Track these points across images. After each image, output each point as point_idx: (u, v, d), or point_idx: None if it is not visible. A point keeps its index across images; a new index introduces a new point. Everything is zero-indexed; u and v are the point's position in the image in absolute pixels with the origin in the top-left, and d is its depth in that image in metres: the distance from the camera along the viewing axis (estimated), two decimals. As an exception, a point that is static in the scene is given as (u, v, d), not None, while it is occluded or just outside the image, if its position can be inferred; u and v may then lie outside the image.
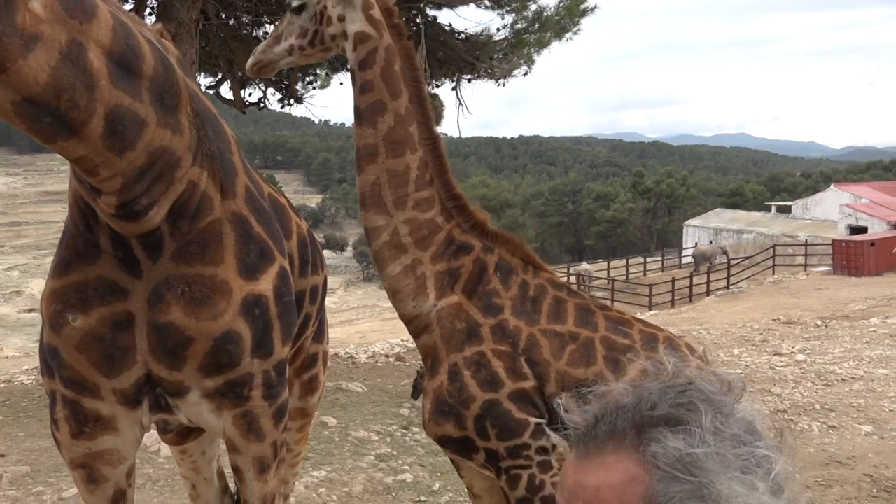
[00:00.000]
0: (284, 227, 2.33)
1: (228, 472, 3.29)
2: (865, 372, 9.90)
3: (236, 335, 1.92)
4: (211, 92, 10.26)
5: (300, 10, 2.38)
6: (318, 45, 2.39)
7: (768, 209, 48.67)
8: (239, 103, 10.24)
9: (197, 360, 1.90)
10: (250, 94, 10.73)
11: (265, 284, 1.99)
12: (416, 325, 2.46)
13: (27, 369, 10.54)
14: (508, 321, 2.39)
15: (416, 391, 8.16)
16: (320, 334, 2.95)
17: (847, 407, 8.25)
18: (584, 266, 33.62)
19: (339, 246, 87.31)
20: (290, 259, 2.28)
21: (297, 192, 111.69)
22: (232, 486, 3.07)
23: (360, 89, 2.31)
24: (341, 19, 2.31)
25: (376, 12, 2.30)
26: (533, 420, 2.37)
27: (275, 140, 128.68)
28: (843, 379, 9.52)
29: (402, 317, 2.50)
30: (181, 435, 2.38)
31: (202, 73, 10.35)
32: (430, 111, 2.46)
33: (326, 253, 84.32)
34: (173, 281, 1.84)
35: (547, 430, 2.43)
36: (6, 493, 5.11)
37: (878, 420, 7.78)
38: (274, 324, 2.03)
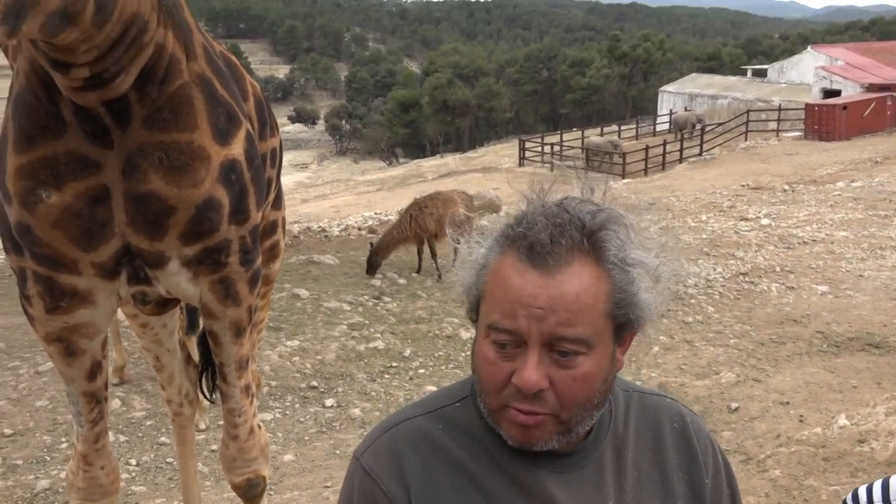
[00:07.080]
0: (240, 87, 2.26)
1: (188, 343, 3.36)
2: (827, 234, 10.17)
3: (217, 202, 1.93)
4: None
5: None
6: None
7: (744, 73, 48.05)
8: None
9: (178, 228, 1.90)
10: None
11: (237, 149, 1.98)
12: None
13: (-5, 250, 10.45)
14: None
15: (372, 268, 8.26)
16: (278, 200, 2.92)
17: (806, 269, 8.52)
18: (610, 137, 30.91)
19: (310, 119, 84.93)
20: (250, 121, 2.24)
21: (263, 63, 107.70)
22: (195, 356, 3.13)
23: None
24: None
25: None
26: None
27: (237, 6, 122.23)
28: (804, 242, 9.78)
29: None
30: (160, 306, 2.40)
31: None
32: None
33: (297, 127, 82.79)
34: (148, 149, 1.80)
35: None
36: (-18, 370, 5.19)
37: (834, 280, 8.07)
38: (249, 189, 2.04)
